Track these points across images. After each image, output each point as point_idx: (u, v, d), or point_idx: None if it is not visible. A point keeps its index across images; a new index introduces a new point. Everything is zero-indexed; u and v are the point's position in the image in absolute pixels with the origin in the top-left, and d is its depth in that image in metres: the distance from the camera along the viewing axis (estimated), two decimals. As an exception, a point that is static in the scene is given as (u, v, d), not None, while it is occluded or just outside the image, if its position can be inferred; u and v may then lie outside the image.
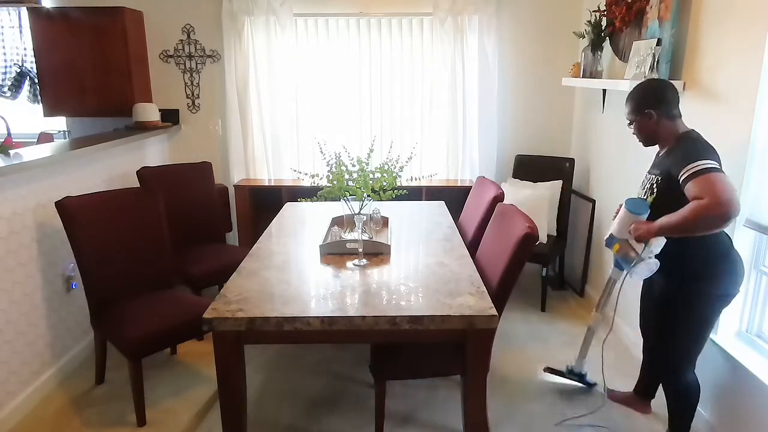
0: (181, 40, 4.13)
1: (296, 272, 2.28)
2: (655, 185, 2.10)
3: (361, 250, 2.39)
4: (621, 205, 2.21)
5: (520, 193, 3.79)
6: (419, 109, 4.19)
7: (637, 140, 2.20)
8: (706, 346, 2.40)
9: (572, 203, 3.98)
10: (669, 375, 2.24)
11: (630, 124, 2.17)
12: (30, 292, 2.62)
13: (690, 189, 1.86)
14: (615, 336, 3.23)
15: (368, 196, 3.61)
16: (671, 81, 2.60)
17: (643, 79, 2.26)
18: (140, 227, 2.77)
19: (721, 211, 1.76)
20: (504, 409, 2.60)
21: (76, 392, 2.74)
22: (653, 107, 2.06)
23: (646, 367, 2.56)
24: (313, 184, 3.97)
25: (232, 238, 4.23)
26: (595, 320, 2.52)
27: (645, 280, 2.15)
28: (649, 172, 2.19)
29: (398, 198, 3.71)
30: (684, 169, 1.88)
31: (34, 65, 4.15)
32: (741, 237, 2.24)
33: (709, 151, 1.94)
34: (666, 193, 2.02)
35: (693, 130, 2.09)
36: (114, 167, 3.45)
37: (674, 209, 1.90)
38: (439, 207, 3.41)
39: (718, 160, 1.91)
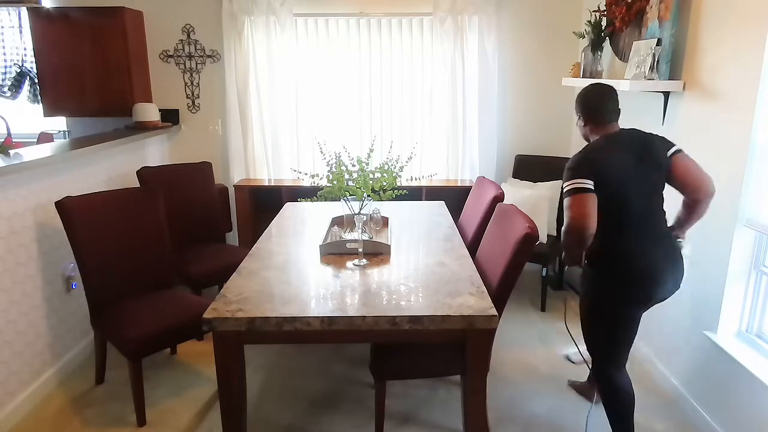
0: (181, 40, 4.13)
1: (296, 272, 2.28)
2: None
3: (361, 250, 2.39)
4: None
5: (520, 193, 3.79)
6: (419, 109, 4.19)
7: None
8: (706, 345, 2.41)
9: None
10: (593, 371, 2.28)
11: (576, 123, 2.34)
12: (30, 292, 2.62)
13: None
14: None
15: (368, 196, 3.60)
16: (675, 81, 2.60)
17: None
18: (140, 227, 2.77)
19: (574, 233, 1.99)
20: (504, 409, 2.60)
21: (76, 392, 2.74)
22: (580, 113, 2.24)
23: None
24: (313, 184, 3.97)
25: (232, 238, 4.23)
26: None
27: None
28: None
29: (398, 198, 3.71)
30: (561, 188, 2.11)
31: (34, 65, 4.15)
32: (741, 237, 2.24)
33: (582, 168, 2.03)
34: None
35: (608, 135, 2.15)
36: (114, 167, 3.45)
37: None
38: (439, 207, 3.41)
39: (597, 173, 2.00)
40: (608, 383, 2.20)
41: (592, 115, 2.19)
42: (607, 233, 2.02)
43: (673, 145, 2.11)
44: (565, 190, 2.05)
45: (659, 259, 2.08)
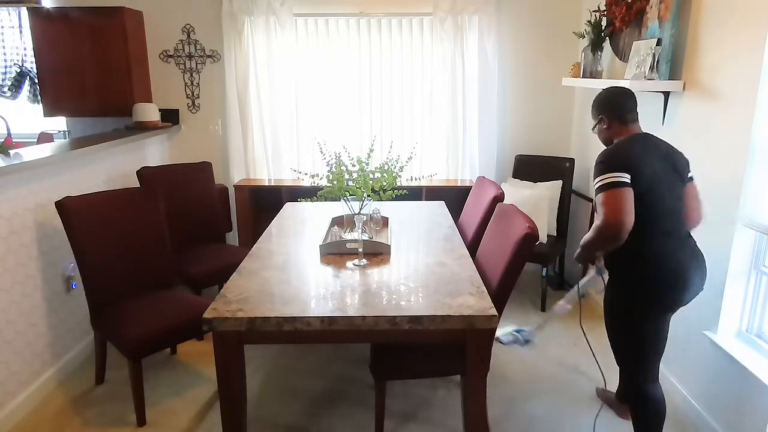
0: (181, 40, 4.13)
1: (296, 272, 2.28)
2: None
3: (361, 250, 2.39)
4: None
5: (520, 193, 3.79)
6: (419, 109, 4.19)
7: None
8: (706, 345, 2.41)
9: (572, 203, 3.98)
10: (623, 388, 2.23)
11: (593, 128, 2.27)
12: (30, 292, 2.62)
13: (598, 202, 1.99)
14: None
15: (368, 196, 3.61)
16: (675, 81, 2.60)
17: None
18: (140, 227, 2.77)
19: (611, 230, 1.91)
20: (504, 409, 2.60)
21: (76, 392, 2.74)
22: (605, 113, 2.16)
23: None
24: (313, 184, 3.97)
25: (232, 238, 4.23)
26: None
27: None
28: None
29: (398, 198, 3.71)
30: (593, 184, 2.02)
31: (34, 65, 4.15)
32: (741, 237, 2.24)
33: (617, 162, 1.97)
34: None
35: (637, 134, 2.11)
36: (114, 167, 3.45)
37: None
38: (439, 207, 3.41)
39: (633, 166, 1.95)
40: (641, 395, 2.13)
41: (617, 114, 2.14)
42: (637, 231, 1.92)
43: (690, 169, 2.12)
44: (598, 185, 1.95)
45: (687, 258, 2.03)
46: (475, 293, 2.03)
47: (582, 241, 2.08)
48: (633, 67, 2.83)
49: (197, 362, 3.01)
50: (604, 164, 1.98)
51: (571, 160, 3.92)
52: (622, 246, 1.95)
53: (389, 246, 2.49)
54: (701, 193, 2.22)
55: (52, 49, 3.84)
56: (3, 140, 2.86)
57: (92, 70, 3.86)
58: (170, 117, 4.21)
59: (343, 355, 3.09)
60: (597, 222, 1.95)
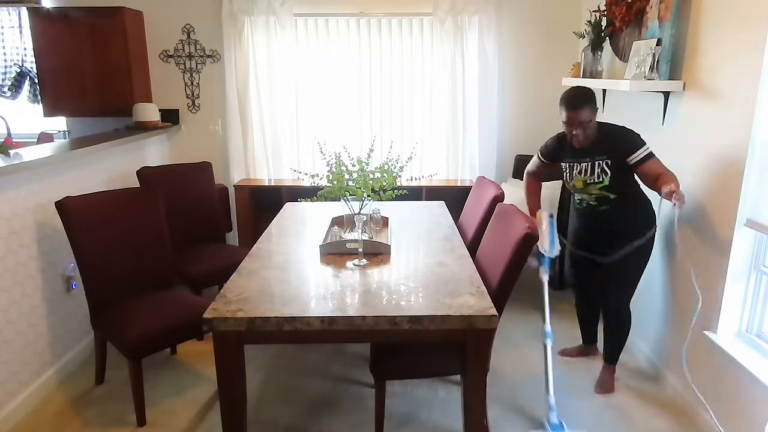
0: (181, 40, 4.13)
1: (296, 272, 2.28)
2: (606, 167, 2.50)
3: (361, 250, 2.39)
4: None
5: (520, 193, 3.78)
6: (419, 109, 4.19)
7: (579, 139, 2.55)
8: (706, 345, 2.41)
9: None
10: (619, 314, 2.71)
11: (582, 124, 2.50)
12: (30, 292, 2.62)
13: (649, 168, 2.40)
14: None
15: (368, 196, 3.60)
16: (675, 81, 2.67)
17: (580, 86, 2.73)
18: (140, 227, 2.77)
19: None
20: (504, 409, 2.60)
21: (76, 392, 2.74)
22: (595, 107, 2.53)
23: (584, 318, 3.07)
24: (313, 184, 3.97)
25: (232, 238, 4.23)
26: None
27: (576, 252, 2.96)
28: (589, 159, 2.56)
29: (398, 198, 3.71)
30: (634, 155, 2.42)
31: (34, 65, 4.15)
32: (741, 237, 2.24)
33: (641, 137, 2.49)
34: (619, 172, 2.49)
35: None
36: (114, 167, 3.45)
37: (625, 183, 2.51)
38: (439, 207, 3.41)
39: None
40: (628, 317, 2.70)
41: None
42: (643, 194, 2.55)
43: None
44: (647, 152, 2.41)
45: None
46: (475, 293, 2.03)
47: (677, 186, 2.29)
48: (633, 67, 2.83)
49: (197, 362, 3.01)
50: (638, 137, 2.46)
51: (571, 160, 3.91)
52: (645, 207, 2.57)
53: (389, 246, 2.49)
54: (701, 192, 2.27)
55: (52, 49, 3.84)
56: (3, 140, 2.87)
57: (92, 70, 3.86)
58: (170, 117, 4.21)
59: (343, 355, 3.09)
60: (671, 175, 2.32)
